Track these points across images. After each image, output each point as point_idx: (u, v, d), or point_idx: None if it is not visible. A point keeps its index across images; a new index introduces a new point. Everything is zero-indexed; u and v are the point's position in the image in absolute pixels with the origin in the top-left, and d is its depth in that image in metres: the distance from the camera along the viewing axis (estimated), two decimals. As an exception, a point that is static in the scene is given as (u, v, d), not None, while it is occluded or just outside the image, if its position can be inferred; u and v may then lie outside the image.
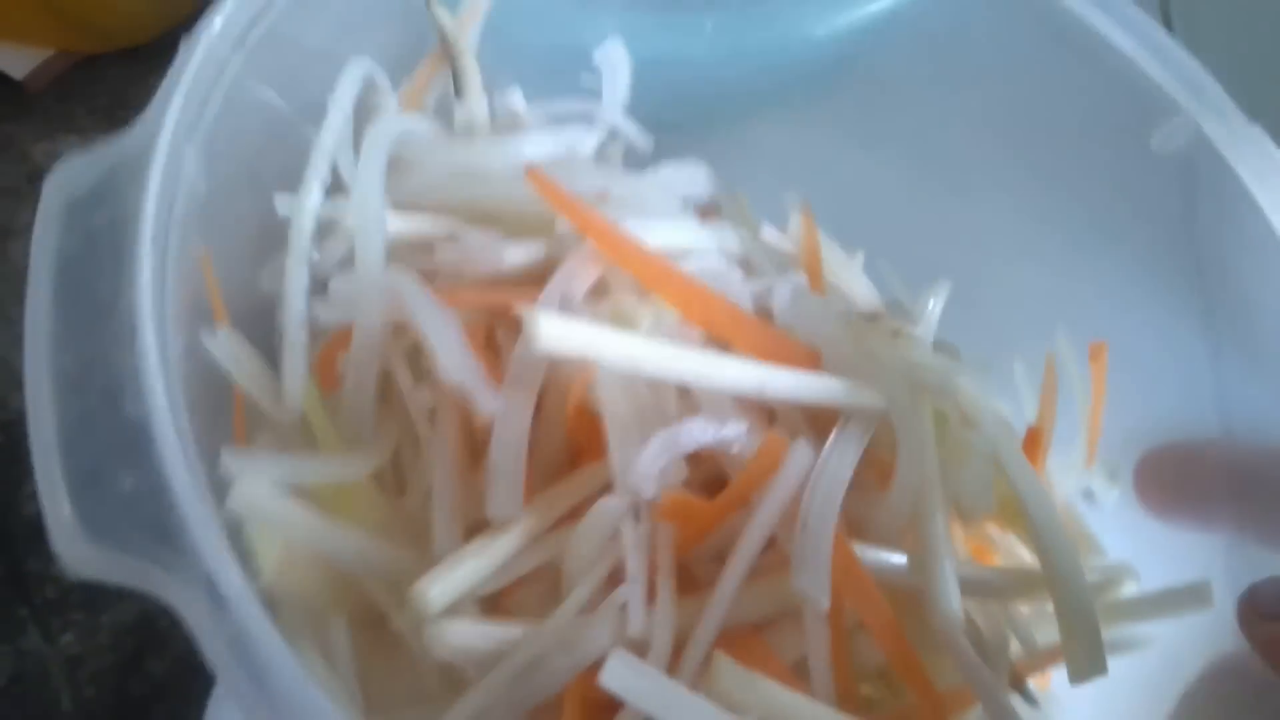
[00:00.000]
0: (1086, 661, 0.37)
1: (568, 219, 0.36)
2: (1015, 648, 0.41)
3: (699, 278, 0.37)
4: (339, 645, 0.33)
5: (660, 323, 0.36)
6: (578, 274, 0.35)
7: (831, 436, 0.37)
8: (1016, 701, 0.39)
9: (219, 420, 0.35)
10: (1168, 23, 0.72)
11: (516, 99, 0.48)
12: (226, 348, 0.34)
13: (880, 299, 0.52)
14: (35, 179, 0.62)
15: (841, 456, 0.36)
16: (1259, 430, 0.42)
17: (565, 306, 0.35)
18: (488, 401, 0.32)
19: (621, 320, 0.35)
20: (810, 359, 0.38)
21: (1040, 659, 0.41)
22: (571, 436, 0.34)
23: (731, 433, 0.35)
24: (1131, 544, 0.46)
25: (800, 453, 0.35)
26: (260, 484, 0.30)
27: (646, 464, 0.32)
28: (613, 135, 0.50)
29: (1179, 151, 0.44)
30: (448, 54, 0.45)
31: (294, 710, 0.25)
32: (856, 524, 0.39)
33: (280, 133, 0.37)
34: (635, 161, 0.50)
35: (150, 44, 0.70)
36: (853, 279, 0.50)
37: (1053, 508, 0.40)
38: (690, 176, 0.46)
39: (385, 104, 0.42)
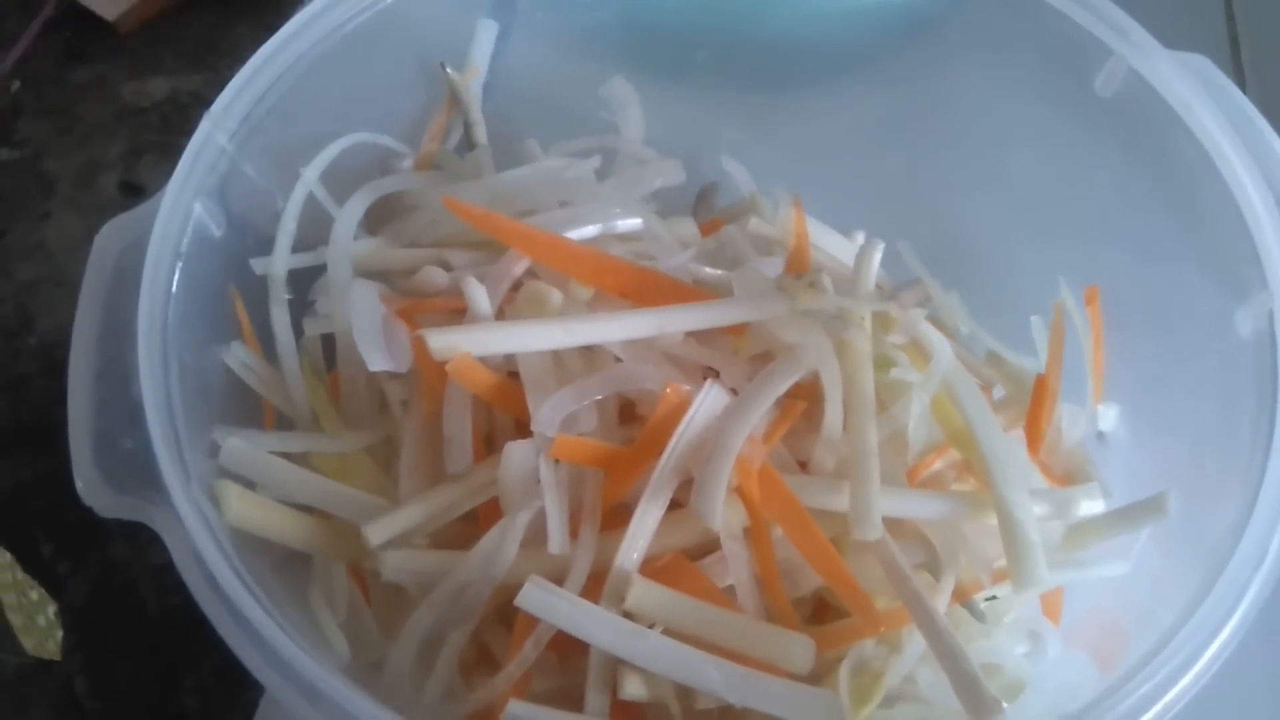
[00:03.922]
0: (1026, 571, 0.40)
1: (485, 231, 0.43)
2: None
3: (621, 257, 0.44)
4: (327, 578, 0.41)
5: (575, 296, 0.42)
6: (503, 275, 0.43)
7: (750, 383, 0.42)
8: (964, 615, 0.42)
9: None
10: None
11: (532, 146, 0.56)
12: (240, 357, 0.43)
13: (886, 276, 0.56)
14: (125, 117, 0.70)
15: (750, 396, 0.40)
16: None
17: (493, 298, 0.42)
18: (376, 363, 0.40)
19: (536, 300, 0.42)
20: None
21: (995, 576, 0.42)
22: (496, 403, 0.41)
23: (644, 381, 0.40)
24: (1144, 479, 0.47)
25: (711, 395, 0.40)
26: (242, 447, 0.39)
27: (548, 411, 0.38)
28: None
29: (1119, 92, 0.46)
30: (459, 106, 0.53)
31: (233, 603, 0.34)
32: (805, 465, 0.44)
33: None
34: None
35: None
36: (848, 257, 0.53)
37: (998, 435, 0.43)
38: (658, 172, 0.52)
39: (398, 164, 0.51)
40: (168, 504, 0.35)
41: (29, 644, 0.52)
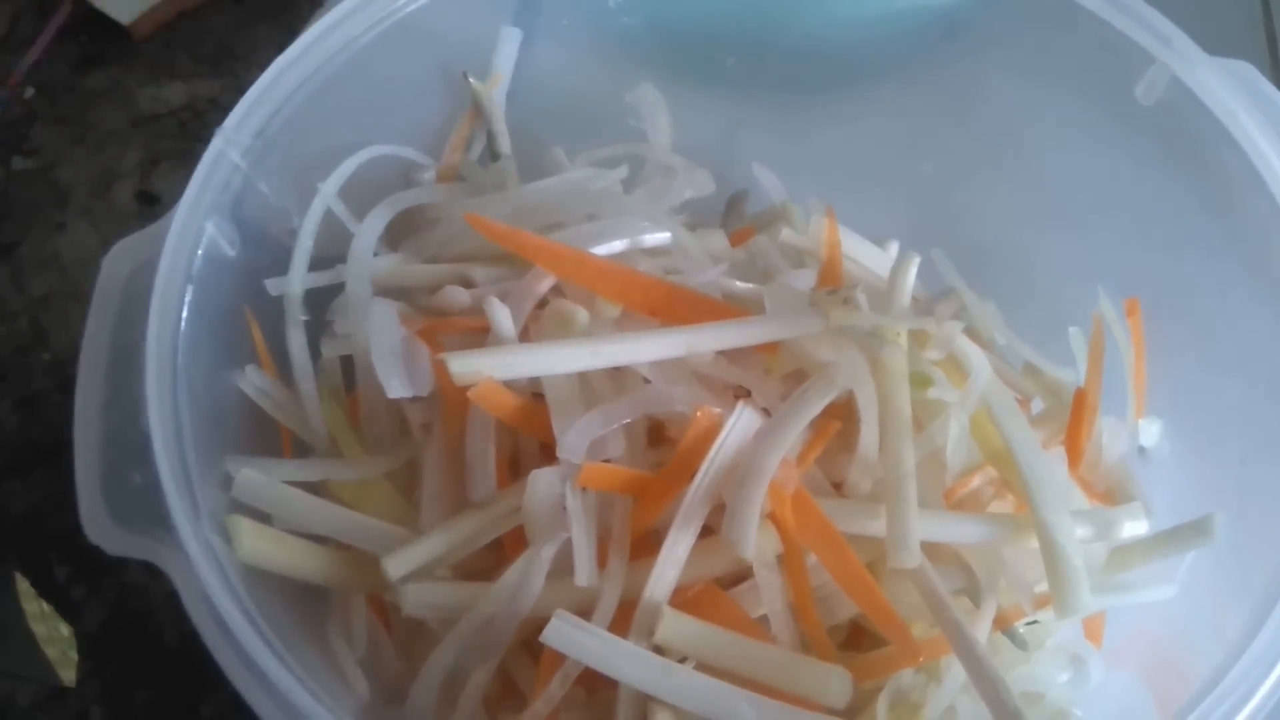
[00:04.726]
0: (1069, 597, 0.38)
1: (509, 248, 0.42)
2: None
3: (649, 272, 0.42)
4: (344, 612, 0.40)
5: (603, 314, 0.41)
6: (528, 293, 0.42)
7: (783, 404, 0.40)
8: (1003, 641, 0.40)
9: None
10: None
11: (558, 155, 0.54)
12: (255, 382, 0.42)
13: (921, 285, 0.54)
14: (140, 123, 0.69)
15: (784, 419, 0.39)
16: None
17: (517, 317, 0.41)
18: (395, 389, 0.38)
19: (561, 320, 0.40)
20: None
21: (1036, 601, 0.41)
22: (521, 427, 0.40)
23: (674, 403, 0.39)
24: (1189, 497, 0.46)
25: (744, 418, 0.39)
26: (255, 478, 0.38)
27: (574, 436, 0.37)
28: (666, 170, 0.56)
29: (1161, 99, 0.44)
30: (482, 116, 0.52)
31: (244, 648, 0.32)
32: (839, 487, 0.42)
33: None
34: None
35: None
36: (881, 268, 0.52)
37: (1039, 455, 0.41)
38: (688, 183, 0.51)
39: (420, 176, 0.50)
40: (177, 543, 0.34)
41: (52, 654, 0.52)
